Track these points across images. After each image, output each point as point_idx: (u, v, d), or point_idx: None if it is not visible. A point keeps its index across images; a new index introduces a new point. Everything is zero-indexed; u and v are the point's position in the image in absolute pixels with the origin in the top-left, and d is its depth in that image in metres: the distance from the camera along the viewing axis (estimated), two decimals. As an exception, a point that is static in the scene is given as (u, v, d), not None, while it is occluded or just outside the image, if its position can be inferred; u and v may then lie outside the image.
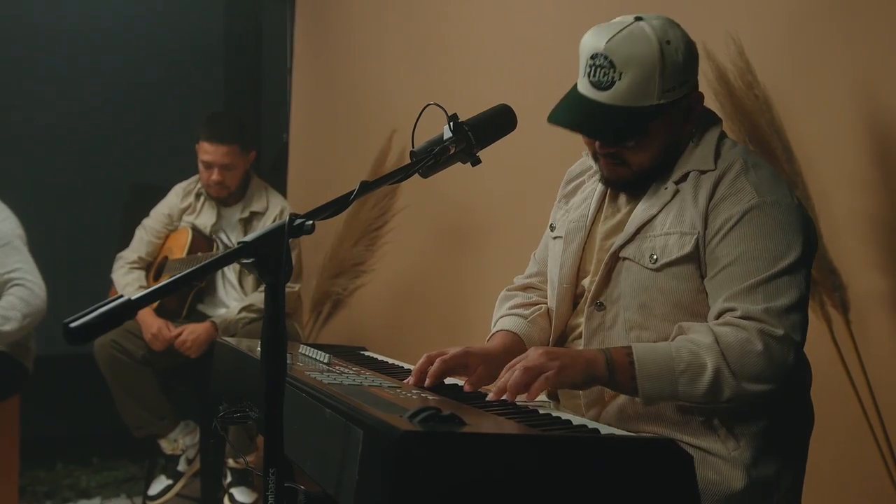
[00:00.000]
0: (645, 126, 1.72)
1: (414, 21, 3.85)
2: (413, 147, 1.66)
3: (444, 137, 1.66)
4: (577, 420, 1.51)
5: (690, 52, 1.75)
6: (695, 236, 1.70)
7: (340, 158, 4.29)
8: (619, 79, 1.70)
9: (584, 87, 1.75)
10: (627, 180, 1.82)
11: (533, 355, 1.63)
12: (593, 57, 1.72)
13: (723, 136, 1.82)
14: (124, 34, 5.33)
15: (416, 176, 1.65)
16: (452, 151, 1.66)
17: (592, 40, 1.74)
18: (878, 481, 2.22)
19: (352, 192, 1.48)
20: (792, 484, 1.76)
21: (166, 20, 5.43)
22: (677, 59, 1.71)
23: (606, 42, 1.70)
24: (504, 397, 1.60)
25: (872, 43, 2.23)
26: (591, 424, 1.47)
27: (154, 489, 3.76)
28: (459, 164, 1.71)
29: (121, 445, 4.34)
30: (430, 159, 1.63)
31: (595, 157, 1.85)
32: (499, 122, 1.74)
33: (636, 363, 1.62)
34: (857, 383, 2.26)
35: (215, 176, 3.67)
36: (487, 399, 1.59)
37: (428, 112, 1.67)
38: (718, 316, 1.67)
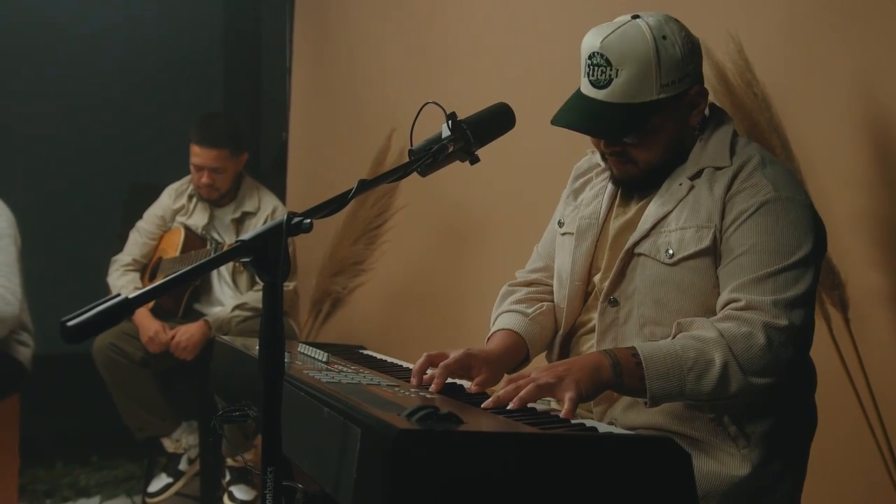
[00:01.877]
0: (644, 121, 1.73)
1: (413, 20, 3.85)
2: (411, 145, 1.66)
3: (443, 136, 1.66)
4: (575, 419, 1.50)
5: (690, 47, 1.76)
6: (712, 229, 1.71)
7: (340, 157, 4.29)
8: (616, 76, 1.71)
9: (585, 87, 1.77)
10: (637, 178, 1.82)
11: (536, 374, 1.57)
12: (591, 56, 1.74)
13: (736, 133, 1.83)
14: (124, 35, 5.33)
15: (415, 174, 1.64)
16: (451, 150, 1.66)
17: (590, 40, 1.75)
18: (878, 479, 2.22)
19: (350, 191, 1.48)
20: (794, 483, 1.77)
21: (165, 20, 5.43)
22: (674, 53, 1.72)
23: (602, 41, 1.72)
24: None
25: (871, 40, 2.23)
26: (589, 423, 1.47)
27: (153, 487, 3.76)
28: (458, 162, 1.71)
29: (120, 444, 4.33)
30: (428, 158, 1.62)
31: (603, 158, 1.87)
32: (497, 120, 1.74)
33: (644, 363, 1.61)
34: (857, 382, 2.26)
35: (205, 179, 3.68)
36: (483, 406, 1.54)
37: (427, 111, 1.67)
38: (725, 305, 1.67)
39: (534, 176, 3.05)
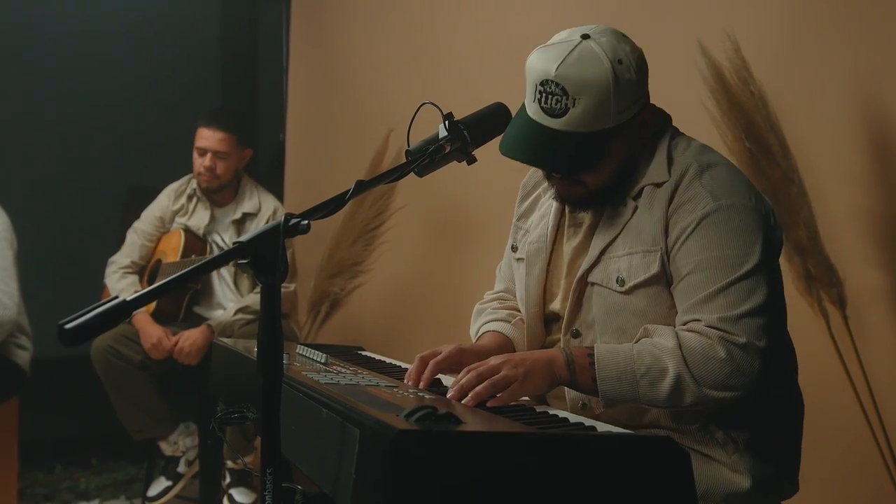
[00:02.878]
0: (603, 150, 1.68)
1: (410, 20, 3.85)
2: (408, 146, 1.66)
3: (440, 136, 1.65)
4: (573, 418, 1.51)
5: (641, 67, 1.70)
6: (658, 253, 1.67)
7: (337, 158, 4.29)
8: (574, 105, 1.63)
9: (536, 113, 1.68)
10: (583, 198, 1.76)
11: (495, 363, 1.60)
12: (544, 83, 1.65)
13: (674, 136, 1.77)
14: (120, 37, 5.33)
15: (413, 175, 1.64)
16: (448, 150, 1.65)
17: (541, 64, 1.66)
18: (877, 476, 2.22)
19: (347, 192, 1.48)
20: (791, 474, 1.76)
21: (162, 23, 5.42)
22: (630, 77, 1.66)
23: (557, 68, 1.63)
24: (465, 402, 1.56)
25: (868, 37, 2.23)
26: (588, 422, 1.47)
27: (153, 490, 3.76)
28: (456, 163, 1.71)
29: (120, 447, 4.34)
30: (425, 158, 1.62)
31: (548, 177, 1.80)
32: (494, 120, 1.74)
33: (597, 364, 1.61)
34: (855, 379, 2.26)
35: (207, 162, 3.66)
36: (448, 396, 1.57)
37: (425, 111, 1.67)
38: (682, 325, 1.64)
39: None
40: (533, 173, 1.97)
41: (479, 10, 3.47)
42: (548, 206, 1.88)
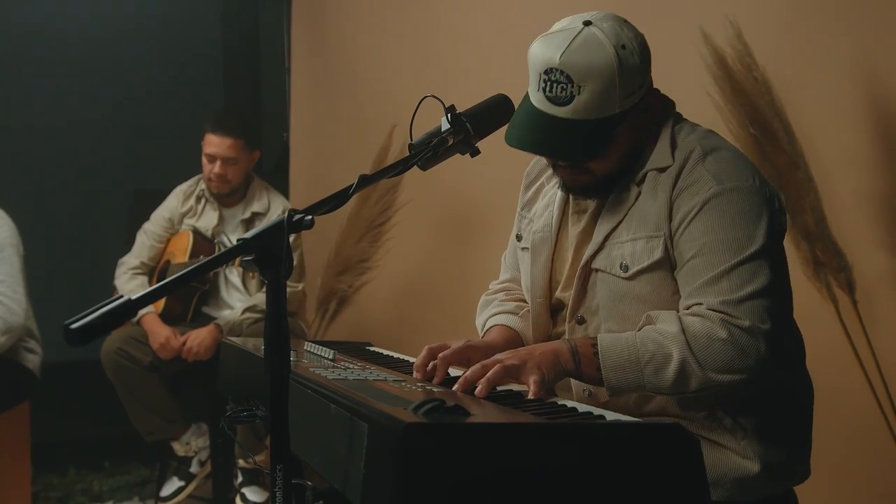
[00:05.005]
0: (608, 137, 1.67)
1: (410, 16, 3.84)
2: (411, 140, 1.66)
3: (442, 129, 1.65)
4: (581, 407, 1.50)
5: (644, 52, 1.69)
6: (661, 238, 1.66)
7: (342, 155, 4.29)
8: (579, 93, 1.63)
9: (540, 102, 1.68)
10: (589, 186, 1.76)
11: (502, 357, 1.60)
12: (548, 72, 1.64)
13: (677, 121, 1.76)
14: (122, 40, 5.33)
15: (418, 170, 1.64)
16: (451, 143, 1.65)
17: (544, 53, 1.66)
18: (888, 460, 2.21)
19: (351, 186, 1.47)
20: (802, 460, 1.76)
21: (164, 25, 5.43)
22: (634, 62, 1.65)
23: (560, 55, 1.63)
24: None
25: (871, 21, 2.22)
26: (597, 411, 1.46)
27: (166, 491, 3.77)
28: (460, 156, 1.70)
29: (132, 449, 4.35)
30: (428, 151, 1.62)
31: (554, 166, 1.79)
32: (497, 112, 1.73)
33: (600, 354, 1.61)
34: (866, 364, 2.25)
35: (217, 168, 3.67)
36: (454, 389, 1.56)
37: (428, 105, 1.66)
38: (685, 310, 1.63)
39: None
40: (536, 162, 1.97)
41: (480, 4, 3.46)
42: (552, 194, 1.88)
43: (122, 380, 3.59)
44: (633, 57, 1.65)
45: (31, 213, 3.72)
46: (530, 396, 1.56)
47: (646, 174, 1.71)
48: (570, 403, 1.54)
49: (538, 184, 1.95)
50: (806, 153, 2.33)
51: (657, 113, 1.75)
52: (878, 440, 2.23)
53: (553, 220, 1.84)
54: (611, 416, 1.43)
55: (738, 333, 1.57)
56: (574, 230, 1.80)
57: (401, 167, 1.60)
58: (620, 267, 1.70)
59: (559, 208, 1.84)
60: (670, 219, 1.66)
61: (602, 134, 1.66)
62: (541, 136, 1.68)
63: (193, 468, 3.78)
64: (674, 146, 1.71)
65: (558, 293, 1.82)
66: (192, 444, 3.75)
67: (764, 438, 1.67)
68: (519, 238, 1.95)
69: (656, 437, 1.32)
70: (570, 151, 1.69)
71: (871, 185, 2.22)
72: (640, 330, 1.64)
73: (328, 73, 4.44)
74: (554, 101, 1.65)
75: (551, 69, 1.64)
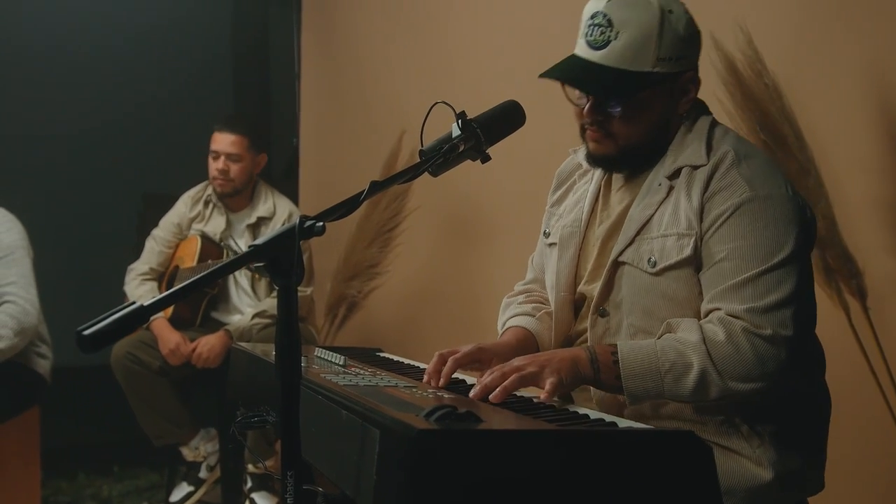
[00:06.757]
0: (635, 90, 1.69)
1: (420, 22, 3.85)
2: (422, 146, 1.66)
3: (453, 135, 1.65)
4: (594, 414, 1.50)
5: (691, 31, 1.72)
6: (693, 237, 1.67)
7: (351, 161, 4.29)
8: (615, 38, 1.68)
9: (580, 49, 1.73)
10: (613, 157, 1.77)
11: (519, 363, 1.60)
12: (593, 16, 1.70)
13: (714, 124, 1.78)
14: (133, 46, 5.36)
15: (427, 176, 1.64)
16: (461, 149, 1.65)
17: (595, 2, 1.73)
18: (902, 469, 2.20)
19: (362, 193, 1.47)
20: (817, 471, 1.75)
21: (173, 30, 5.45)
22: (677, 29, 1.69)
23: (608, 1, 1.69)
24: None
25: (881, 27, 2.21)
26: (609, 418, 1.46)
27: (175, 496, 3.77)
28: (470, 162, 1.70)
29: (141, 453, 4.35)
30: (439, 157, 1.62)
31: (582, 131, 1.81)
32: (507, 118, 1.73)
33: (620, 362, 1.61)
34: (878, 370, 2.24)
35: (220, 164, 3.70)
36: (471, 396, 1.56)
37: (438, 111, 1.66)
38: (706, 314, 1.64)
39: (546, 175, 3.02)
40: (569, 161, 1.99)
41: (490, 9, 3.46)
42: (584, 191, 1.90)
43: (132, 384, 3.60)
44: (678, 24, 1.69)
45: (41, 217, 3.73)
46: (542, 398, 1.55)
47: (680, 170, 1.72)
48: (581, 410, 1.54)
49: (570, 182, 1.97)
50: (817, 159, 2.32)
51: (693, 102, 1.77)
52: (890, 447, 2.22)
53: (584, 216, 1.86)
54: (623, 423, 1.42)
55: (759, 343, 1.57)
56: (602, 227, 1.82)
57: (412, 173, 1.59)
58: (648, 262, 1.70)
59: (590, 204, 1.86)
60: (701, 220, 1.67)
61: (629, 85, 1.69)
62: (570, 71, 1.73)
63: (202, 473, 3.79)
64: (709, 146, 1.73)
65: (582, 287, 1.83)
66: (201, 448, 3.76)
67: (780, 447, 1.66)
68: (546, 235, 1.96)
69: (669, 444, 1.31)
70: (594, 85, 1.72)
71: (883, 191, 2.21)
72: (660, 338, 1.64)
73: (338, 79, 4.44)
74: (592, 45, 1.70)
75: (597, 13, 1.70)
